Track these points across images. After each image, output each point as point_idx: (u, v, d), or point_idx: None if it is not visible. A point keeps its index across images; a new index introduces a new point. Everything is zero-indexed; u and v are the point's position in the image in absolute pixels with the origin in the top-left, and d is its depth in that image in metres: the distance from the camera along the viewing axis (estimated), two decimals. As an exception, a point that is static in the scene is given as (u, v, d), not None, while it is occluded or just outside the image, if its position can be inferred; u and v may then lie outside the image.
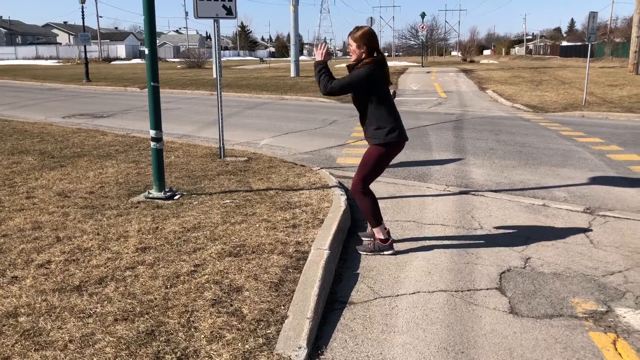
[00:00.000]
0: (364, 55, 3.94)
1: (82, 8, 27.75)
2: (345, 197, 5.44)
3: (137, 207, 5.09)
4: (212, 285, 3.38)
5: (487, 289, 3.61)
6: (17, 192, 5.61)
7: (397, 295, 3.52)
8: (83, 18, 28.57)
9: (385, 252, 4.17)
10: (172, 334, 2.84)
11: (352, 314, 3.28)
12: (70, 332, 2.83)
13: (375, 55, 3.95)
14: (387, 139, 3.95)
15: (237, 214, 4.87)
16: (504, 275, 3.83)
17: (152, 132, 5.33)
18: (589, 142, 9.20)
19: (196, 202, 5.23)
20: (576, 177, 6.78)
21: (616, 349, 2.89)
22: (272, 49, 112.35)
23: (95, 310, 3.07)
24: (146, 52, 5.20)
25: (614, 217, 5.17)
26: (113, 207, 5.07)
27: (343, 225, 4.67)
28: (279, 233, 4.36)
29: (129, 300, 3.19)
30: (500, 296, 3.51)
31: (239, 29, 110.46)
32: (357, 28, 3.97)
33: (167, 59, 69.69)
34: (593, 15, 13.82)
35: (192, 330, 2.88)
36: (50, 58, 67.25)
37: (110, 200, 5.31)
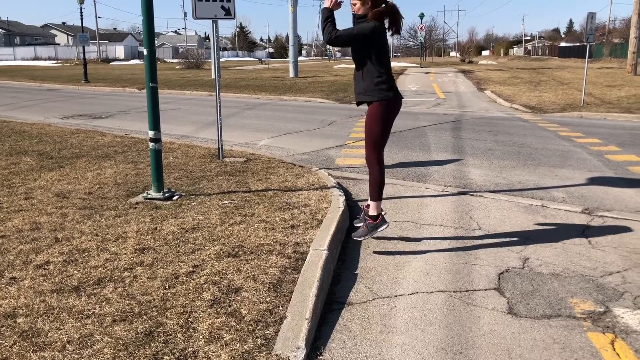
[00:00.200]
0: (370, 8, 3.90)
1: (81, 9, 27.75)
2: (344, 197, 5.44)
3: (135, 207, 5.09)
4: (210, 286, 3.38)
5: (486, 290, 3.61)
6: (15, 193, 5.60)
7: (396, 296, 3.52)
8: (82, 19, 28.57)
9: (380, 228, 4.17)
10: (170, 334, 2.84)
11: (350, 315, 3.28)
12: (68, 333, 2.83)
13: (384, 5, 3.92)
14: (385, 96, 3.96)
15: (235, 214, 4.87)
16: (503, 275, 3.84)
17: (151, 133, 5.33)
18: (587, 143, 9.21)
19: (195, 203, 5.23)
20: (574, 178, 6.79)
21: (614, 349, 2.89)
22: (271, 50, 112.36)
23: (94, 311, 3.07)
24: (145, 52, 5.20)
25: (612, 217, 5.17)
26: (111, 208, 5.07)
27: (342, 225, 4.67)
28: (277, 234, 4.36)
29: (127, 301, 3.19)
30: (498, 297, 3.51)
31: (238, 29, 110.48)
32: None
33: (166, 60, 69.67)
34: (591, 16, 13.84)
35: (191, 331, 2.88)
36: (49, 59, 67.19)
37: (108, 201, 5.30)
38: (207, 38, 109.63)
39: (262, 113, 14.11)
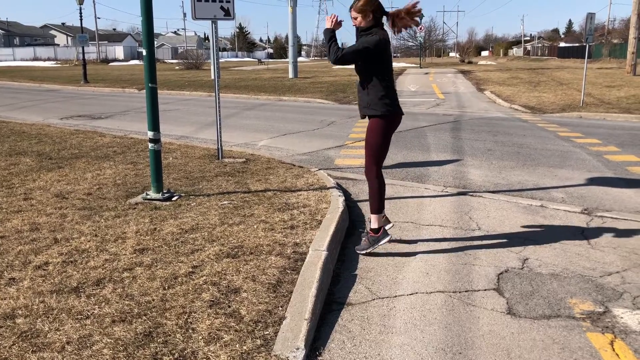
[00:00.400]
0: (372, 23, 3.92)
1: (80, 9, 27.74)
2: (343, 198, 5.45)
3: (134, 208, 5.09)
4: (210, 287, 3.38)
5: (485, 290, 3.61)
6: (14, 194, 5.60)
7: (395, 296, 3.52)
8: (81, 19, 28.56)
9: (381, 242, 4.16)
10: (169, 335, 2.84)
11: (350, 315, 3.28)
12: (67, 334, 2.83)
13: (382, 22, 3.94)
14: (384, 111, 3.97)
15: (235, 215, 4.87)
16: (502, 276, 3.84)
17: (150, 134, 5.33)
18: (586, 143, 9.21)
19: (194, 204, 5.23)
20: (574, 178, 6.80)
21: (614, 350, 2.89)
22: (271, 50, 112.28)
23: (93, 312, 3.07)
24: (144, 53, 5.20)
25: (611, 217, 5.17)
26: (111, 209, 5.07)
27: (341, 226, 4.67)
28: (276, 234, 4.36)
29: (126, 302, 3.18)
30: (498, 297, 3.51)
31: (237, 30, 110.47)
32: None
33: (165, 60, 69.71)
34: (591, 16, 13.84)
35: (190, 331, 2.88)
36: (48, 59, 67.18)
37: (108, 202, 5.30)
38: (206, 39, 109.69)
39: (261, 113, 14.11)
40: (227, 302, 3.20)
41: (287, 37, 37.87)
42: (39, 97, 20.17)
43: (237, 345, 2.75)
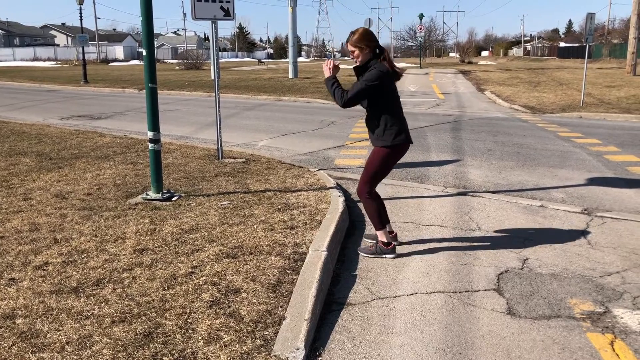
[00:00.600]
0: (370, 56, 3.93)
1: (80, 9, 27.74)
2: (343, 198, 5.44)
3: (134, 208, 5.09)
4: (209, 287, 3.38)
5: (485, 290, 3.61)
6: (14, 194, 5.60)
7: (395, 297, 3.52)
8: (81, 19, 28.56)
9: (387, 255, 4.17)
10: (169, 335, 2.84)
11: (349, 316, 3.28)
12: (67, 334, 2.83)
13: (379, 54, 3.94)
14: (394, 142, 3.96)
15: (235, 215, 4.86)
16: (502, 276, 3.83)
17: (150, 134, 5.33)
18: (586, 143, 9.21)
19: (194, 204, 5.23)
20: (574, 178, 6.79)
21: (614, 350, 2.89)
22: (271, 50, 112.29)
23: (93, 312, 3.06)
24: (144, 53, 5.20)
25: (611, 218, 5.17)
26: (111, 209, 5.07)
27: (341, 226, 4.67)
28: (276, 234, 4.36)
29: (126, 302, 3.18)
30: (498, 297, 3.51)
31: (237, 30, 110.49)
32: (352, 33, 3.96)
33: (165, 60, 69.70)
34: (591, 16, 13.84)
35: (190, 332, 2.87)
36: (48, 59, 67.18)
37: (107, 202, 5.30)
38: (206, 39, 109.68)
39: (261, 114, 14.11)
40: (227, 302, 3.19)
41: (287, 37, 37.88)
42: (39, 97, 20.17)
43: (237, 346, 2.74)
